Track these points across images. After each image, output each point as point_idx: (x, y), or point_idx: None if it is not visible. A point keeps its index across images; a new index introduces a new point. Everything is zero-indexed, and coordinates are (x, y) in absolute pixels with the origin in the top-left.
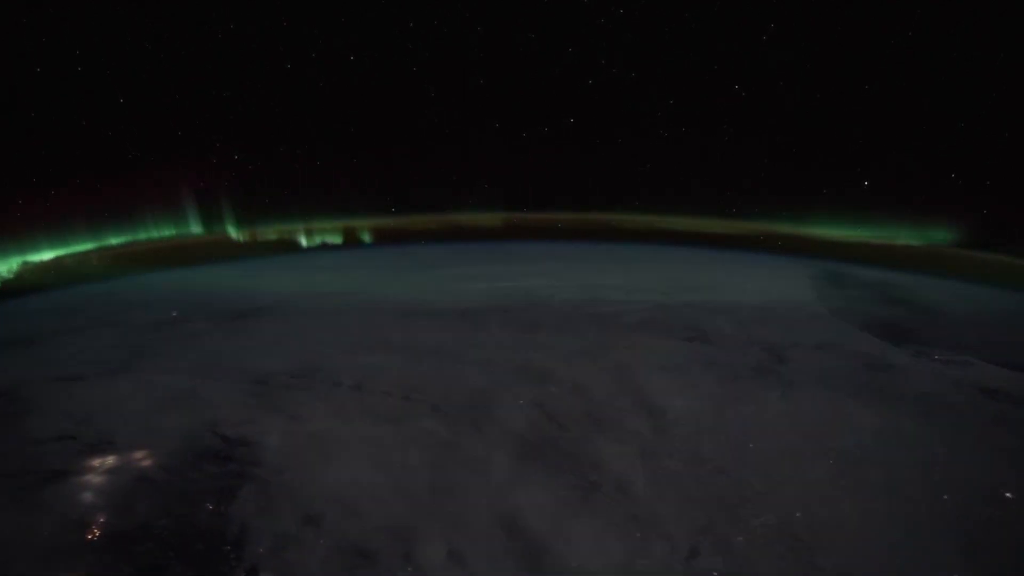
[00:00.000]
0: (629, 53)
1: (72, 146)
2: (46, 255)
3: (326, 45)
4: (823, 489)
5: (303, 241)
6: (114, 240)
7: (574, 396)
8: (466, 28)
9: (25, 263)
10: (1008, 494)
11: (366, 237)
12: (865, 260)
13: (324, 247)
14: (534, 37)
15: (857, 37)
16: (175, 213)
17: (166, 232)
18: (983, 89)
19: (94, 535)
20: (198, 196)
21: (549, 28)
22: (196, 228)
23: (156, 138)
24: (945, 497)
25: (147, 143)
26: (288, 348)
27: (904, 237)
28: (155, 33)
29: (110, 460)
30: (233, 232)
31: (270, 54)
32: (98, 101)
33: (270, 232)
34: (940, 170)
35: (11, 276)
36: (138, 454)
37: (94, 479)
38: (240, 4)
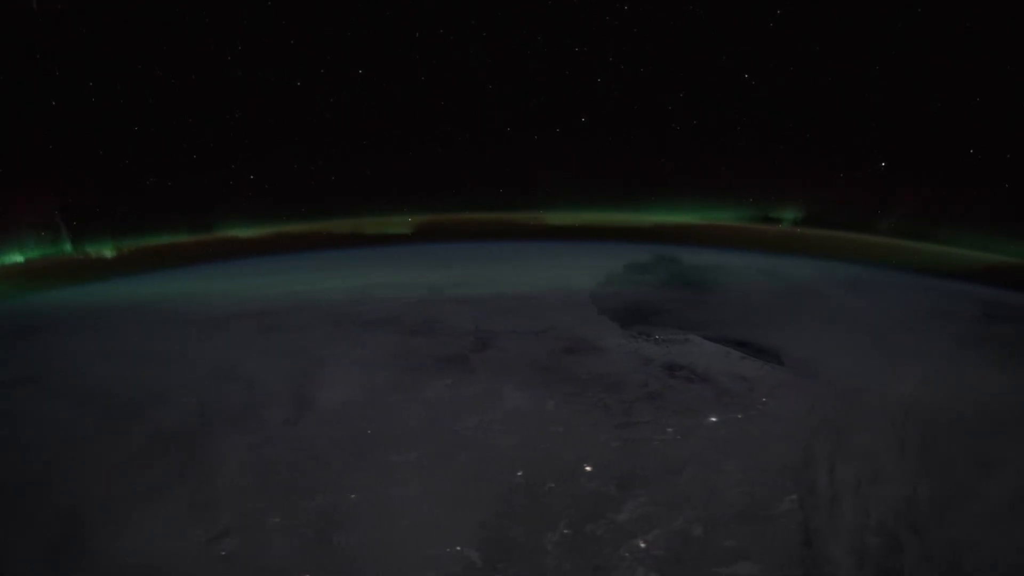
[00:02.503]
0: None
1: None
2: None
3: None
4: (404, 472)
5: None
6: None
7: (242, 391)
8: (472, 34)
9: None
10: (588, 467)
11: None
12: (724, 244)
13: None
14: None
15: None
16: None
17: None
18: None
19: None
20: (60, 213)
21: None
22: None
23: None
24: (519, 474)
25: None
26: (46, 358)
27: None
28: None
29: None
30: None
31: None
32: None
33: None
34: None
35: None
36: None
37: None
38: None
